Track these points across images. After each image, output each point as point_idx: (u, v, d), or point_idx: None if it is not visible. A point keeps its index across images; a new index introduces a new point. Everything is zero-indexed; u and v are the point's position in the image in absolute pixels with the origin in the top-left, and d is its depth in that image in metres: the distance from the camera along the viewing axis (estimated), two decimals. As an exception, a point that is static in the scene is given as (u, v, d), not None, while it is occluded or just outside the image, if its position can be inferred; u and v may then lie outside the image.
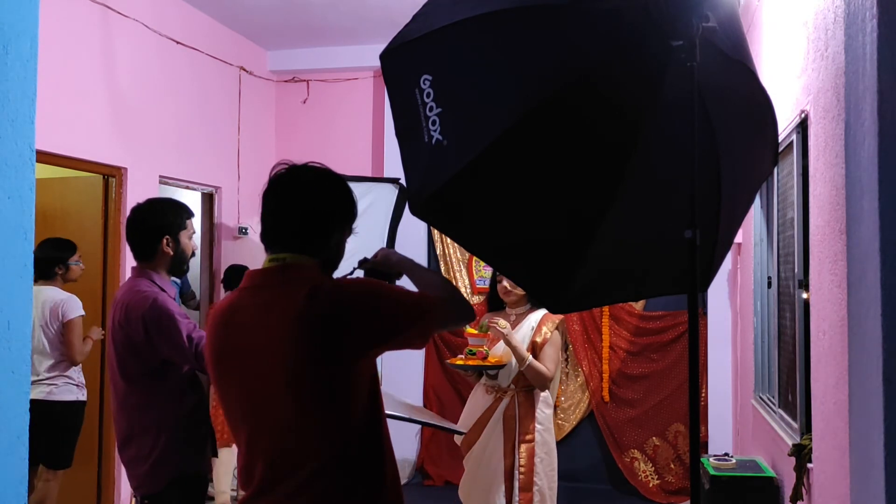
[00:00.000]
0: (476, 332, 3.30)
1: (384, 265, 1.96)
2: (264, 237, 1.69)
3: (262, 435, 1.63)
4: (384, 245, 5.20)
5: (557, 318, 3.34)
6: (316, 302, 1.56)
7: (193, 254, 2.71)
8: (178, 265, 2.65)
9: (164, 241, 2.57)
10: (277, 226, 1.66)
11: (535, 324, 3.31)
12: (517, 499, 3.16)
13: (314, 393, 1.57)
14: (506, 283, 3.34)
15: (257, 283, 1.66)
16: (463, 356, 3.31)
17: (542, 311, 3.34)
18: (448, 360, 3.36)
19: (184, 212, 2.67)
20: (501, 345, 3.30)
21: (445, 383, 5.87)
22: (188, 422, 2.49)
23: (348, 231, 1.75)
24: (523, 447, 3.21)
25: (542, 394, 3.31)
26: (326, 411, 1.59)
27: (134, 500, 4.46)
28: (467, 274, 5.91)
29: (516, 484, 3.18)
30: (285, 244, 1.65)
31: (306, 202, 1.66)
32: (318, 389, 1.57)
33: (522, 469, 3.19)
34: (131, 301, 2.47)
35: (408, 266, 1.95)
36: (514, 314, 3.40)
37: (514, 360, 3.24)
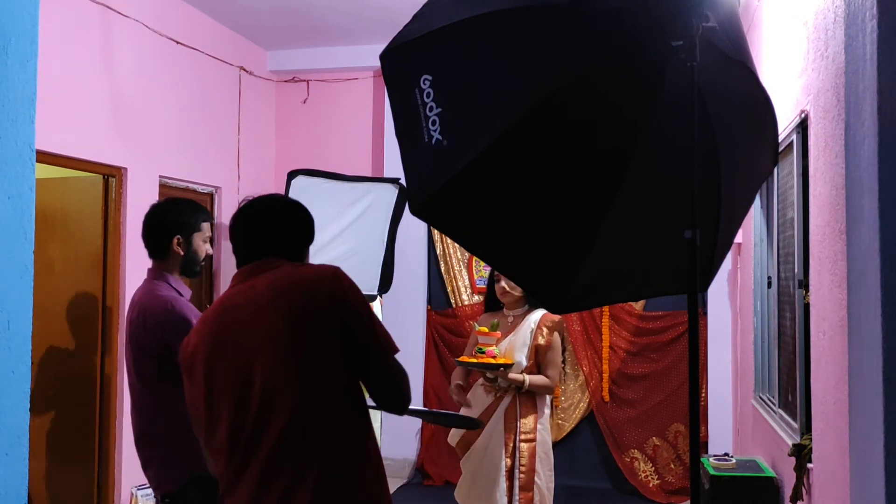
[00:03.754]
0: (486, 330, 3.29)
1: None
2: (244, 256, 1.90)
3: (265, 417, 1.72)
4: (383, 245, 5.20)
5: (556, 318, 3.33)
6: (326, 273, 1.80)
7: (208, 256, 2.70)
8: (189, 266, 2.63)
9: (176, 240, 2.56)
10: (257, 245, 1.88)
11: (534, 325, 3.30)
12: (517, 498, 3.16)
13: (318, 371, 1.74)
14: (504, 283, 3.33)
15: (242, 278, 1.86)
16: (472, 354, 3.31)
17: (541, 312, 3.33)
18: (458, 359, 3.36)
19: (200, 214, 2.66)
20: (506, 342, 3.30)
21: (446, 383, 5.87)
22: None
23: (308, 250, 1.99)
24: (524, 446, 3.20)
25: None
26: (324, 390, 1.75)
27: (133, 498, 4.47)
28: (467, 274, 5.91)
29: (517, 483, 3.17)
30: (261, 255, 1.87)
31: (280, 225, 1.91)
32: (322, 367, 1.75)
33: (523, 468, 3.18)
34: (149, 305, 2.47)
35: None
36: (511, 316, 3.39)
37: (521, 359, 3.24)
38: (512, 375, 3.19)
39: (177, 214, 2.59)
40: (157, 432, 2.47)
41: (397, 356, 1.86)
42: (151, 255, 2.60)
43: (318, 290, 1.76)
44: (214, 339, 1.80)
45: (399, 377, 1.85)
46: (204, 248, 2.66)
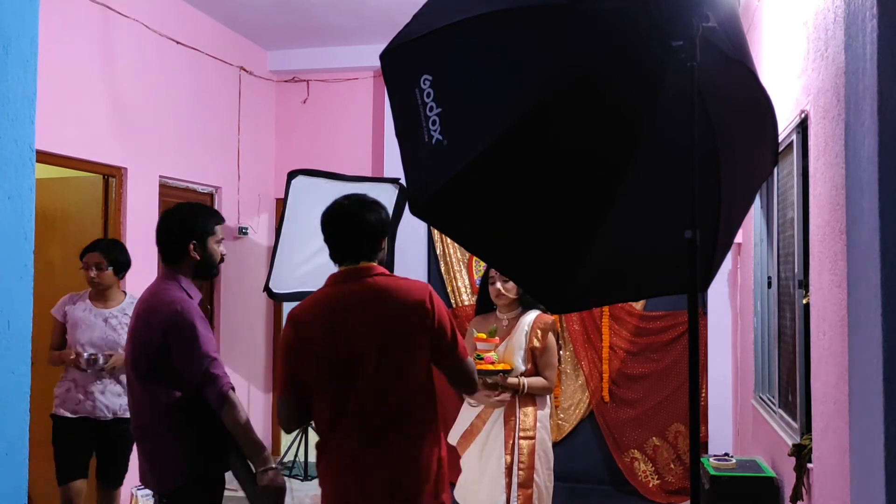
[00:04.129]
0: (485, 336, 3.28)
1: None
2: (334, 253, 2.31)
3: (377, 395, 2.20)
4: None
5: (549, 320, 3.32)
6: (422, 290, 2.26)
7: (222, 259, 2.74)
8: (205, 269, 2.67)
9: (192, 245, 2.60)
10: (344, 245, 2.29)
11: (528, 328, 3.29)
12: (516, 495, 3.16)
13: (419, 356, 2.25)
14: (499, 285, 3.31)
15: (344, 279, 2.28)
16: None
17: (534, 314, 3.32)
18: None
19: (213, 218, 2.70)
20: (502, 346, 3.29)
21: (446, 384, 5.86)
22: (201, 425, 2.48)
23: (387, 238, 2.39)
24: (524, 444, 3.20)
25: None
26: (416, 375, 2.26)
27: (133, 498, 4.46)
28: (467, 274, 5.91)
29: (515, 480, 3.17)
30: (353, 256, 2.29)
31: (364, 227, 2.28)
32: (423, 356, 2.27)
33: (522, 465, 3.18)
34: (156, 304, 2.49)
35: None
36: (505, 318, 3.37)
37: (518, 363, 3.24)
38: (510, 380, 3.19)
39: (191, 219, 2.63)
40: (151, 428, 2.47)
41: None
42: (165, 259, 2.64)
43: (417, 303, 2.21)
44: (326, 331, 2.21)
45: (470, 372, 2.39)
46: (218, 251, 2.70)
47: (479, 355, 3.23)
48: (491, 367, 3.18)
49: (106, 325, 3.71)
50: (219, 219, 2.74)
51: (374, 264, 2.29)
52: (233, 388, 2.47)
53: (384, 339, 2.19)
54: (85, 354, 3.60)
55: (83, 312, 3.73)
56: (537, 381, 3.25)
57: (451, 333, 2.28)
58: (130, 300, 3.79)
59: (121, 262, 3.79)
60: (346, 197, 2.34)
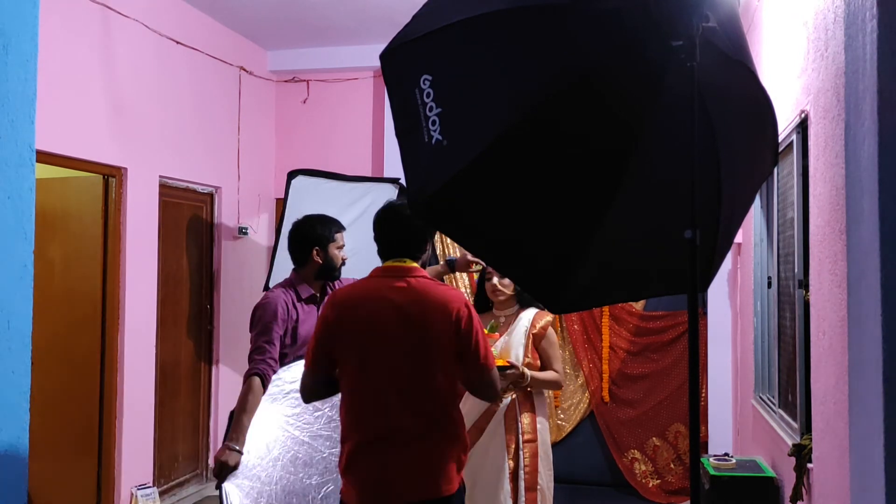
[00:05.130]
0: (486, 332, 3.27)
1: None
2: (383, 249, 2.46)
3: (405, 392, 2.30)
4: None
5: (549, 317, 3.32)
6: (458, 298, 2.36)
7: (343, 262, 3.13)
8: (327, 272, 3.08)
9: (315, 251, 3.03)
10: (396, 241, 2.43)
11: (528, 324, 3.28)
12: (523, 499, 3.15)
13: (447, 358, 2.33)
14: (496, 281, 3.30)
15: (391, 274, 2.39)
16: None
17: (533, 311, 3.31)
18: None
19: (333, 226, 3.11)
20: (501, 342, 3.29)
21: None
22: None
23: (431, 243, 2.55)
24: (526, 447, 3.19)
25: (542, 393, 3.31)
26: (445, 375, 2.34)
27: (133, 498, 4.46)
28: (467, 274, 5.90)
29: (521, 484, 3.16)
30: (400, 253, 2.43)
31: (414, 227, 2.43)
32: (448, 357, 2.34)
33: (527, 469, 3.17)
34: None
35: None
36: (503, 316, 3.36)
37: (518, 353, 3.21)
38: (510, 372, 3.16)
39: (313, 229, 3.05)
40: None
41: None
42: (294, 263, 3.10)
43: (452, 310, 2.31)
44: (365, 320, 2.33)
45: (493, 382, 2.43)
46: (339, 255, 3.11)
47: None
48: None
49: None
50: (339, 227, 3.14)
51: (418, 266, 2.43)
52: (263, 376, 2.81)
53: (416, 339, 2.30)
54: None
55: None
56: (548, 374, 3.23)
57: (481, 343, 2.37)
58: None
59: None
60: (398, 199, 2.58)
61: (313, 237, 3.03)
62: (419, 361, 2.31)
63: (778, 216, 3.90)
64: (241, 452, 2.67)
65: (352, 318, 2.36)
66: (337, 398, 2.51)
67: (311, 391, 2.46)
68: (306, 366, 2.44)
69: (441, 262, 3.89)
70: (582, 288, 2.10)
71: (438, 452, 2.33)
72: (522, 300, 3.34)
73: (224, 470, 2.63)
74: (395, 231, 2.45)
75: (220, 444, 3.16)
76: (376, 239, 2.49)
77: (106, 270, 4.60)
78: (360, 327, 2.35)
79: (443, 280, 3.47)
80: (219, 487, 2.65)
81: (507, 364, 3.17)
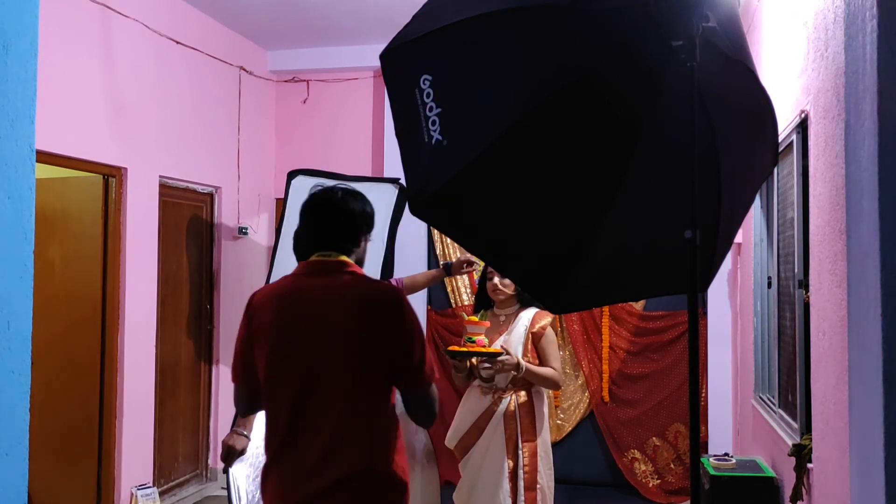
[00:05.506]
0: (476, 319, 3.25)
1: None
2: (310, 241, 2.12)
3: (317, 411, 1.96)
4: (384, 244, 5.20)
5: (549, 315, 3.32)
6: (391, 298, 2.02)
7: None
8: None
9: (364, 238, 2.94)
10: (323, 232, 2.10)
11: (527, 323, 3.29)
12: (523, 498, 3.15)
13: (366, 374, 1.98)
14: (497, 280, 3.30)
15: (314, 271, 2.08)
16: (462, 344, 3.24)
17: (533, 311, 3.31)
18: (448, 348, 3.28)
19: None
20: (500, 340, 3.28)
21: (446, 384, 5.87)
22: None
23: (368, 237, 2.21)
24: (526, 446, 3.19)
25: (541, 392, 3.31)
26: (372, 394, 1.99)
27: (133, 498, 4.46)
28: (467, 274, 5.90)
29: (521, 484, 3.16)
30: (329, 245, 2.09)
31: (345, 216, 2.11)
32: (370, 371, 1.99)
33: (527, 468, 3.17)
34: None
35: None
36: (503, 315, 3.36)
37: (517, 349, 3.21)
38: (502, 358, 3.13)
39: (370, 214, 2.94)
40: None
41: None
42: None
43: (381, 311, 2.00)
44: (281, 327, 2.02)
45: (427, 399, 2.08)
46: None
47: (469, 338, 3.19)
48: (483, 349, 3.14)
49: None
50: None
51: (350, 261, 2.10)
52: None
53: (342, 346, 1.96)
54: None
55: None
56: (546, 370, 3.22)
57: (416, 351, 2.01)
58: None
59: None
60: (334, 186, 2.20)
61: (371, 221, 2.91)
62: (349, 374, 1.96)
63: (778, 216, 3.90)
64: (248, 437, 2.67)
65: (265, 321, 2.03)
66: None
67: (246, 404, 2.15)
68: (233, 378, 2.14)
69: (438, 267, 3.91)
70: (582, 288, 2.10)
71: (365, 491, 1.94)
72: (523, 300, 3.35)
73: (231, 454, 2.61)
74: (324, 220, 2.12)
75: (220, 445, 3.17)
76: (302, 230, 2.16)
77: (106, 270, 4.60)
78: (273, 332, 2.01)
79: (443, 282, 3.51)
80: (226, 471, 2.66)
81: (500, 351, 3.15)
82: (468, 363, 3.24)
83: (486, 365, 3.19)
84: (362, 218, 2.15)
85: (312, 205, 2.15)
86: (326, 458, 1.93)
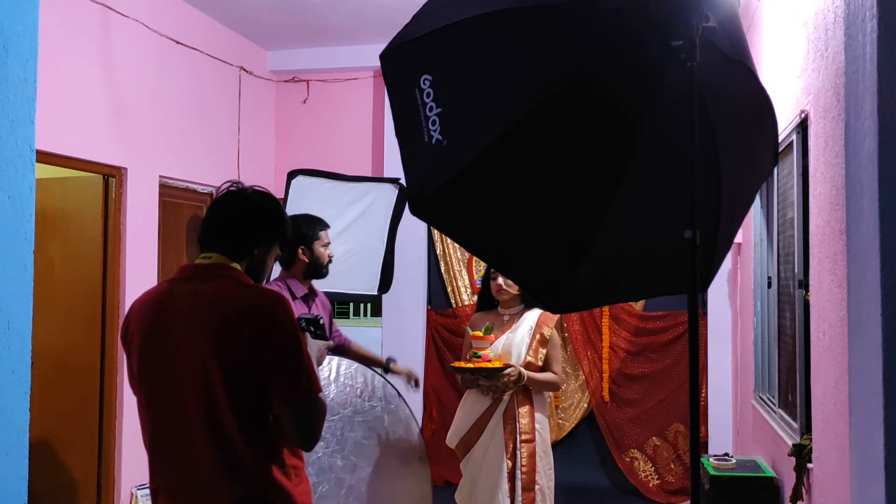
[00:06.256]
0: (481, 334, 3.28)
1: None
2: (200, 238, 1.92)
3: (183, 437, 1.77)
4: (384, 245, 5.21)
5: (554, 317, 3.33)
6: (267, 306, 1.77)
7: (330, 260, 3.13)
8: (315, 270, 3.09)
9: (300, 250, 3.04)
10: (212, 229, 1.90)
11: (532, 324, 3.29)
12: (520, 499, 3.16)
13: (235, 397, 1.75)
14: (501, 280, 3.31)
15: (188, 276, 1.88)
16: (467, 359, 3.28)
17: (538, 312, 3.32)
18: (452, 364, 3.33)
19: (317, 224, 3.11)
20: (503, 339, 3.29)
21: (446, 383, 5.87)
22: None
23: (275, 249, 1.99)
24: (524, 447, 3.20)
25: (541, 392, 3.31)
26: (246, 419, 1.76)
27: (133, 498, 4.46)
28: (467, 274, 5.91)
29: (518, 484, 3.17)
30: (215, 246, 1.88)
31: (239, 214, 1.90)
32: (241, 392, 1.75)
33: (524, 469, 3.18)
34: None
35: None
36: (507, 314, 3.37)
37: (521, 352, 3.22)
38: (507, 372, 3.16)
39: (296, 228, 2.99)
40: None
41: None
42: (282, 265, 3.09)
43: (249, 319, 1.74)
44: (148, 337, 1.83)
45: (311, 424, 1.77)
46: (325, 253, 3.11)
47: (475, 353, 3.22)
48: (488, 364, 3.17)
49: None
50: (323, 225, 3.12)
51: (233, 265, 1.85)
52: None
53: (201, 363, 1.73)
54: None
55: None
56: (547, 375, 3.24)
57: (290, 363, 1.74)
58: None
59: None
60: (250, 186, 1.97)
61: (297, 236, 3.02)
62: (197, 390, 1.74)
63: (778, 216, 3.90)
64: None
65: (135, 331, 1.84)
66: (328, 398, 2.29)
67: None
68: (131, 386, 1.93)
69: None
70: (582, 288, 2.10)
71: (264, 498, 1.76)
72: (527, 300, 3.35)
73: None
74: (216, 217, 1.90)
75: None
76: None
77: (106, 270, 4.59)
78: (139, 344, 1.82)
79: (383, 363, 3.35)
80: None
81: (504, 365, 3.17)
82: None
83: (486, 384, 3.21)
84: (261, 223, 1.91)
85: (214, 202, 1.94)
86: (202, 489, 1.75)
